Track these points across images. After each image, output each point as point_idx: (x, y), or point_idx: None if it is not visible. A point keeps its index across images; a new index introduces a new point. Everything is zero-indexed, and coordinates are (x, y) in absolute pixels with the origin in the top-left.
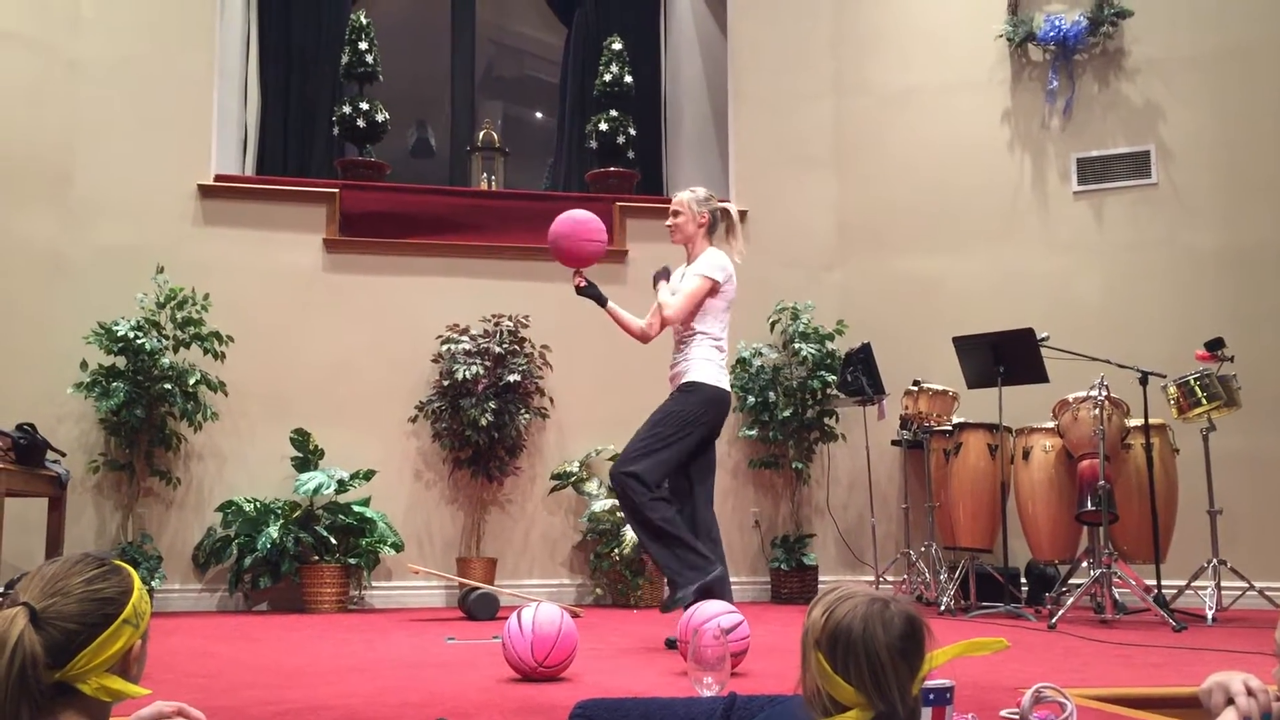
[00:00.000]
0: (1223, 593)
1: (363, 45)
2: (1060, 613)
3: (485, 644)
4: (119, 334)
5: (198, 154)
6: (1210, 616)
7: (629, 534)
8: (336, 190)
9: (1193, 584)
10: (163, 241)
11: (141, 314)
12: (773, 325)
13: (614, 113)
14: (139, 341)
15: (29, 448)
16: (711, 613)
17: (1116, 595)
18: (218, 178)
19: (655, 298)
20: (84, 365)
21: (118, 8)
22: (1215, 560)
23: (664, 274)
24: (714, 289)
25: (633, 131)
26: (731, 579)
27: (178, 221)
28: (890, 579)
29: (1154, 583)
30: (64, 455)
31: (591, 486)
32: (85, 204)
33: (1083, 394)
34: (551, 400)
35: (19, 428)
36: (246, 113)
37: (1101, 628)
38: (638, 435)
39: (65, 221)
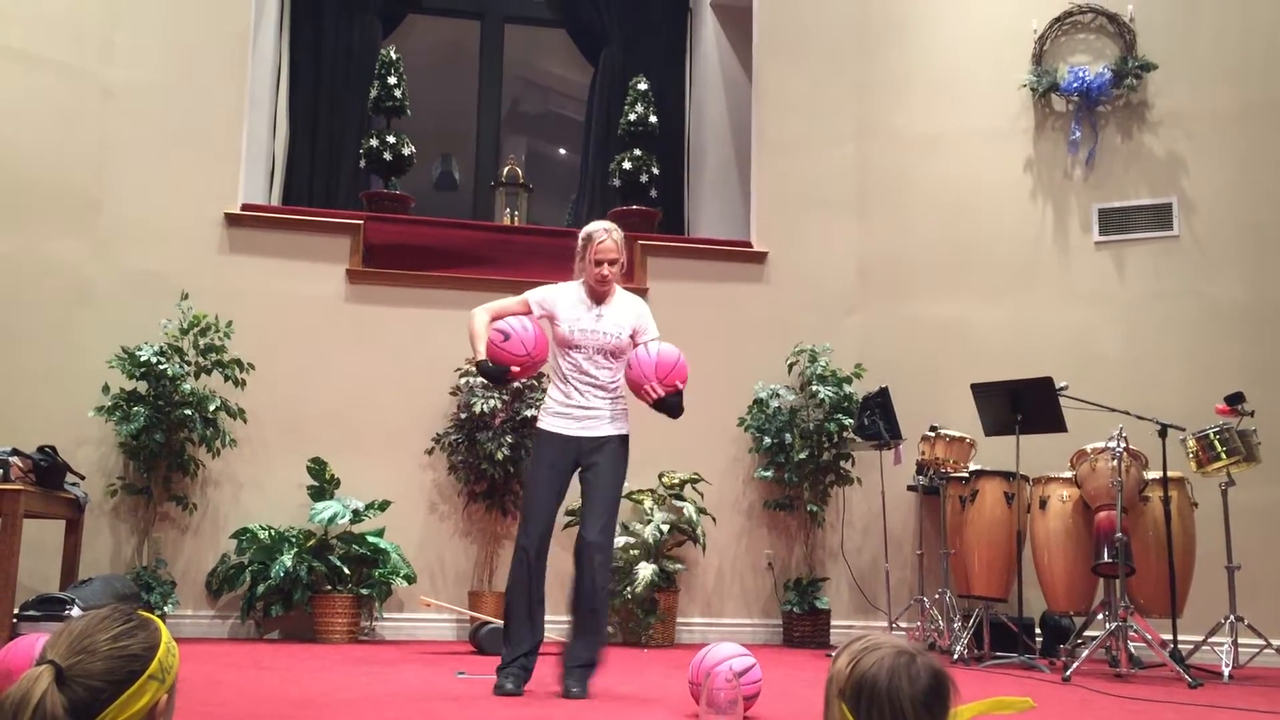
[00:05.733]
0: (1240, 650)
1: (391, 80)
2: (1075, 665)
3: (495, 679)
4: (142, 359)
5: (226, 183)
6: (1227, 674)
7: (641, 572)
8: (361, 222)
9: (1209, 640)
10: (188, 268)
11: (165, 339)
12: (790, 367)
13: (638, 152)
14: (161, 367)
15: (49, 470)
16: (724, 655)
17: (1132, 649)
18: (244, 206)
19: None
20: (106, 389)
21: (151, 37)
22: (1233, 617)
23: None
24: None
25: (656, 171)
26: (743, 620)
27: (204, 249)
28: (904, 625)
29: (1170, 637)
30: (83, 478)
31: None
32: (113, 229)
33: (1101, 445)
34: None
35: (40, 450)
36: (275, 143)
37: (1116, 682)
38: (608, 499)
39: (93, 246)
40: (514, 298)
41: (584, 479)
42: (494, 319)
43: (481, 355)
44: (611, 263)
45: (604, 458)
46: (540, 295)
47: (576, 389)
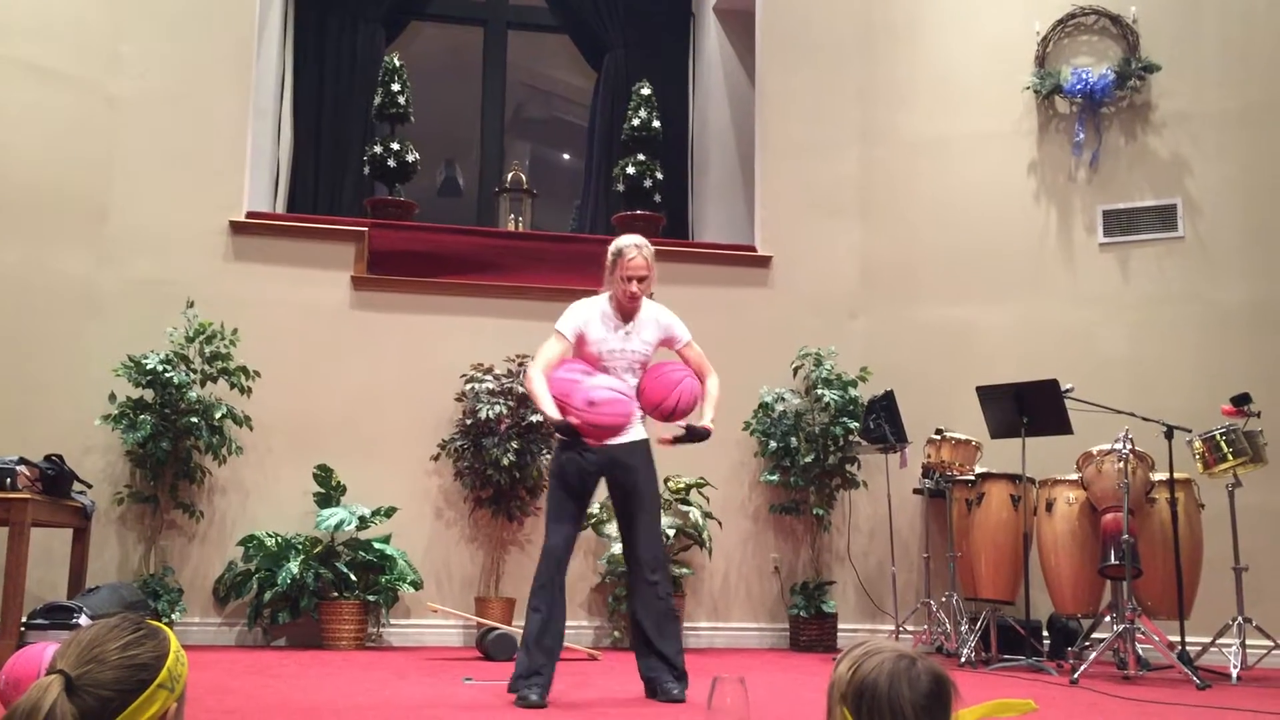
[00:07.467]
0: (1248, 651)
1: (395, 86)
2: (1082, 667)
3: (502, 684)
4: (148, 367)
5: (231, 191)
6: (1235, 675)
7: None
8: (365, 229)
9: (1217, 641)
10: (194, 276)
11: (171, 348)
12: (795, 370)
13: (641, 157)
14: (167, 375)
15: (56, 479)
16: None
17: (1140, 651)
18: (249, 214)
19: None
20: (112, 397)
21: (156, 46)
22: (1240, 618)
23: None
24: None
25: (660, 176)
26: (750, 625)
27: (209, 257)
28: (910, 629)
29: (1178, 639)
30: (90, 486)
31: (611, 529)
32: (119, 238)
33: (1107, 447)
34: None
35: (47, 458)
36: (279, 151)
37: (1124, 684)
38: (655, 510)
39: (99, 255)
40: (552, 342)
41: (622, 489)
42: (551, 369)
43: (554, 417)
44: (641, 279)
45: (640, 466)
46: (573, 325)
47: None
